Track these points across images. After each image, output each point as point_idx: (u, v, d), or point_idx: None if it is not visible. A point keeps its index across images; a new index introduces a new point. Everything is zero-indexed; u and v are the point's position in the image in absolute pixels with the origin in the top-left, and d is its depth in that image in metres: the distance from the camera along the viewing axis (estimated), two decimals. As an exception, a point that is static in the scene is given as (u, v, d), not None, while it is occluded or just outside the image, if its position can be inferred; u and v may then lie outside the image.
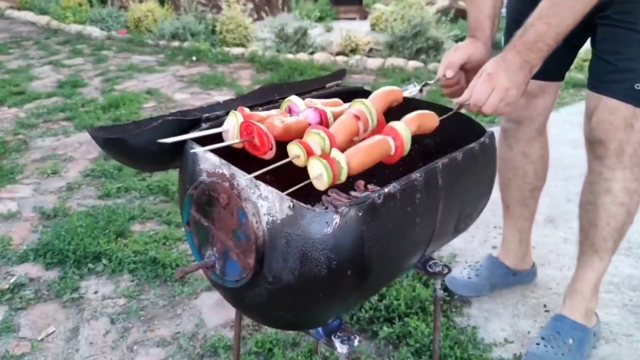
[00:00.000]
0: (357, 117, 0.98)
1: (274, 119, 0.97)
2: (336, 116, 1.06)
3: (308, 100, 1.12)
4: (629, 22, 1.36)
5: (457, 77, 1.29)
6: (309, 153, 0.89)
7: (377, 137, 0.96)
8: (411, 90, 1.26)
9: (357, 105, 1.02)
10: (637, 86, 1.37)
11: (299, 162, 0.90)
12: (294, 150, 0.90)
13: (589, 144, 1.51)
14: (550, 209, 2.39)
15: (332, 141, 0.91)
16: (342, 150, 0.93)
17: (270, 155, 0.97)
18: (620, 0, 1.37)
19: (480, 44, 1.31)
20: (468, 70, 1.29)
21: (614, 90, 1.40)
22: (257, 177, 0.86)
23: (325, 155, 0.89)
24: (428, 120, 1.06)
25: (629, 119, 1.40)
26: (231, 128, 0.99)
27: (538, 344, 1.56)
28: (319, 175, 0.86)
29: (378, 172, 1.12)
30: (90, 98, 3.85)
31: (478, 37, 1.33)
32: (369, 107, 1.01)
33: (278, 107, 1.15)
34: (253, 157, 0.99)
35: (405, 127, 0.98)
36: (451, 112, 1.14)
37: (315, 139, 0.91)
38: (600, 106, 1.43)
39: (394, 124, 0.98)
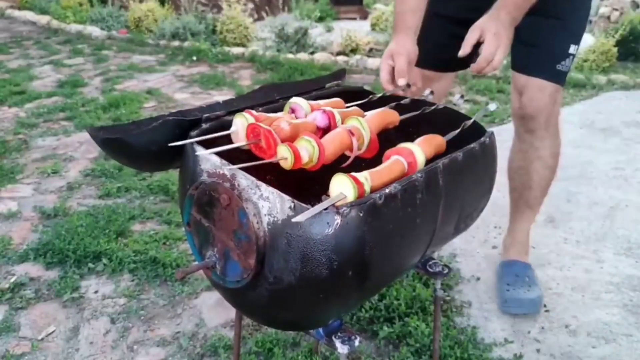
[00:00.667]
0: (352, 133, 0.98)
1: (281, 122, 0.97)
2: (343, 117, 1.06)
3: (313, 102, 1.12)
4: (550, 11, 1.54)
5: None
6: (297, 158, 0.89)
7: (398, 161, 0.95)
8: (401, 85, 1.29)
9: (352, 122, 1.02)
10: (558, 67, 1.59)
11: (286, 165, 0.90)
12: (283, 152, 0.90)
13: (519, 119, 1.70)
14: (550, 209, 2.39)
15: (321, 151, 0.91)
16: (330, 162, 0.93)
17: (277, 157, 0.96)
18: None
19: (409, 39, 1.38)
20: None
21: (541, 71, 1.60)
22: (257, 178, 0.86)
23: (351, 175, 0.86)
24: (440, 144, 1.06)
25: (554, 95, 1.62)
26: (240, 129, 0.99)
27: (508, 290, 1.77)
28: (342, 193, 0.83)
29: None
30: (90, 98, 3.85)
31: (404, 32, 1.40)
32: (363, 125, 1.01)
33: (279, 107, 1.15)
34: (254, 157, 0.99)
35: (421, 153, 0.97)
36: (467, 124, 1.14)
37: (306, 145, 0.91)
38: (529, 85, 1.62)
39: (413, 148, 0.98)
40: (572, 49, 1.60)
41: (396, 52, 1.32)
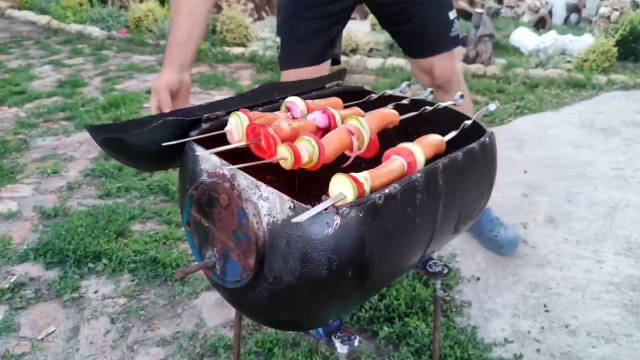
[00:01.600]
0: (352, 133, 0.98)
1: (281, 122, 0.97)
2: (343, 117, 1.05)
3: (310, 102, 1.12)
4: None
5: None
6: (297, 158, 0.90)
7: (398, 161, 0.95)
8: (403, 90, 1.28)
9: (352, 121, 1.02)
10: (451, 34, 1.81)
11: (286, 165, 0.90)
12: (283, 152, 0.90)
13: (438, 88, 1.85)
14: (550, 209, 2.39)
15: (321, 151, 0.91)
16: (330, 162, 0.93)
17: (277, 158, 0.96)
18: None
19: (171, 72, 1.34)
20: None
21: (441, 47, 1.81)
22: (257, 178, 0.86)
23: (351, 175, 0.86)
24: (439, 144, 1.06)
25: (455, 56, 1.88)
26: (234, 129, 0.99)
27: (496, 235, 2.06)
28: (342, 193, 0.82)
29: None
30: (90, 98, 3.85)
31: (168, 66, 1.36)
32: (363, 125, 1.01)
33: (278, 107, 1.15)
34: (254, 157, 0.99)
35: (421, 153, 0.97)
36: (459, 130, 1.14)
37: (306, 145, 0.91)
38: (436, 62, 1.82)
39: (413, 148, 0.97)
40: (452, 14, 1.81)
41: (158, 87, 1.32)
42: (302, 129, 0.99)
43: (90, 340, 1.68)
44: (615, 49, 4.65)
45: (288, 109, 1.11)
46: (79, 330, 1.72)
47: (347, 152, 1.00)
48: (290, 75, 1.79)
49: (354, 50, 5.15)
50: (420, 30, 1.78)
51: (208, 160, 0.94)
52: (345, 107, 1.18)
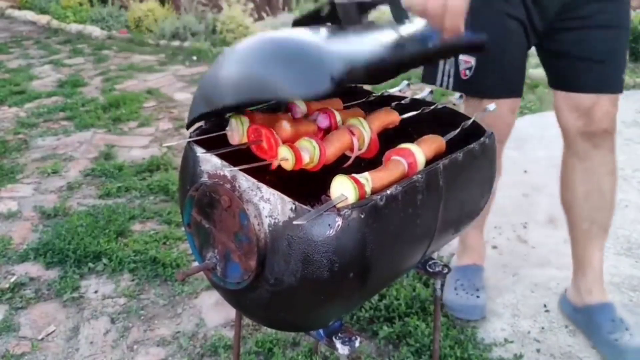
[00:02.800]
0: (352, 133, 0.98)
1: (282, 122, 0.97)
2: (344, 117, 1.06)
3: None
4: (612, 20, 1.43)
5: None
6: (298, 159, 0.90)
7: (398, 162, 0.95)
8: (403, 89, 1.29)
9: (353, 122, 1.02)
10: (623, 76, 1.51)
11: (287, 165, 0.90)
12: (284, 153, 0.90)
13: (587, 137, 1.54)
14: (550, 209, 2.39)
15: (322, 152, 0.91)
16: (330, 162, 0.93)
17: (278, 159, 0.96)
18: (592, 0, 1.41)
19: None
20: None
21: (614, 86, 1.49)
22: (257, 178, 0.86)
23: (353, 176, 0.86)
24: (439, 144, 1.05)
25: (617, 102, 1.51)
26: (235, 129, 0.99)
27: (616, 340, 1.57)
28: (343, 195, 0.82)
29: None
30: (90, 97, 3.85)
31: None
32: (364, 125, 1.01)
33: (277, 106, 1.15)
34: (254, 158, 0.99)
35: (422, 154, 0.97)
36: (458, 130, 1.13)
37: (307, 146, 0.91)
38: (601, 102, 1.49)
39: (413, 149, 0.97)
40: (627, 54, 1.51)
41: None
42: (303, 130, 0.99)
43: (90, 340, 1.68)
44: (615, 49, 4.64)
45: (289, 110, 1.11)
46: (79, 330, 1.72)
47: (348, 153, 1.00)
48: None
49: (353, 50, 5.14)
50: (594, 57, 1.45)
51: (209, 161, 0.94)
52: (345, 107, 1.18)
